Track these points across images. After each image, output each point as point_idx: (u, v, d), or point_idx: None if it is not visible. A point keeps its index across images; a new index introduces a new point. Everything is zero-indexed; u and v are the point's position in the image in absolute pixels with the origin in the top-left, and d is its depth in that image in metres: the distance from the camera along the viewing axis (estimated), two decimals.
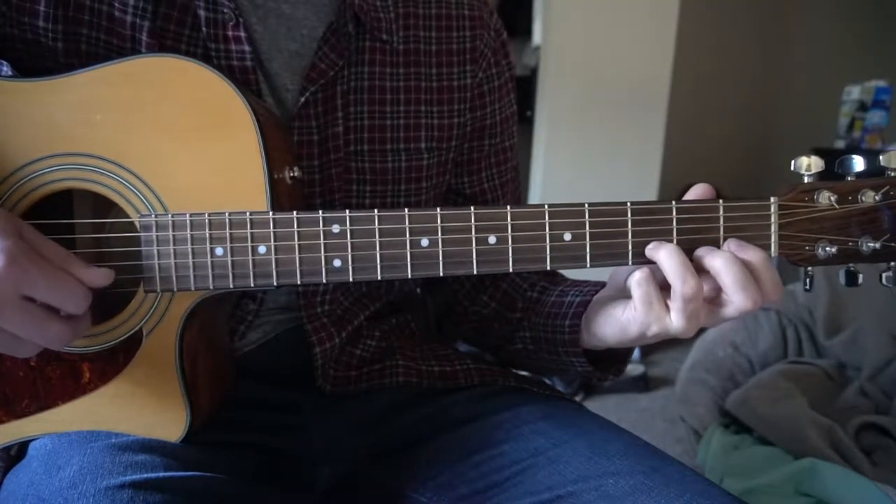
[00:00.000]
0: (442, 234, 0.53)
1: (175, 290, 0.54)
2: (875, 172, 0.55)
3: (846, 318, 1.67)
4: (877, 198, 0.54)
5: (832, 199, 0.55)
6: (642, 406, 2.04)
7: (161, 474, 0.52)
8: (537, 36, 2.68)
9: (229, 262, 0.53)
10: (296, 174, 0.59)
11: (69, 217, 0.60)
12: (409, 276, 0.53)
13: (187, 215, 0.53)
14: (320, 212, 0.53)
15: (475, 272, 0.54)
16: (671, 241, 0.54)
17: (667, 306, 0.53)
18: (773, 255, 0.56)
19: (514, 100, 0.80)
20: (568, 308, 0.65)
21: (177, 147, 0.54)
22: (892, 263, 0.56)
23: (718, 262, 0.52)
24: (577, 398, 2.01)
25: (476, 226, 0.53)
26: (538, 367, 0.75)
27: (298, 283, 0.53)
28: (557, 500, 0.58)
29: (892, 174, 0.55)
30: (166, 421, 0.57)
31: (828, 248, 0.55)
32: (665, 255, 0.53)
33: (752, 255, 0.53)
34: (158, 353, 0.55)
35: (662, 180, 2.52)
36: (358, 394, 0.70)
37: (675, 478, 0.57)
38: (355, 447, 0.69)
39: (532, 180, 2.51)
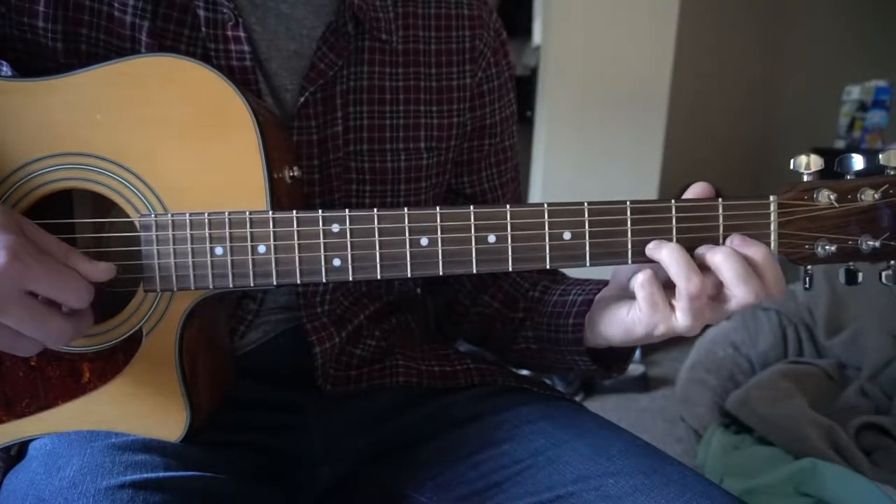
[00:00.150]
0: (441, 234, 0.53)
1: (175, 289, 0.54)
2: (874, 171, 0.55)
3: (846, 318, 1.67)
4: (876, 196, 0.54)
5: (832, 197, 0.55)
6: (642, 406, 2.04)
7: (161, 474, 0.52)
8: (537, 36, 2.68)
9: (229, 262, 0.53)
10: (295, 174, 0.59)
11: (69, 217, 0.60)
12: (409, 275, 0.53)
13: (187, 215, 0.53)
14: (320, 211, 0.53)
15: (474, 271, 0.54)
16: (671, 240, 0.54)
17: (671, 306, 0.53)
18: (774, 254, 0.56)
19: (514, 99, 0.80)
20: (571, 307, 0.65)
21: (176, 147, 0.54)
22: (892, 262, 0.56)
23: (718, 257, 0.53)
24: (577, 398, 2.01)
25: (475, 225, 0.53)
26: (541, 366, 0.75)
27: (298, 282, 0.53)
28: (557, 500, 0.58)
29: (892, 173, 0.55)
30: (166, 421, 0.56)
31: (827, 247, 0.55)
32: (667, 255, 0.53)
33: (755, 250, 0.53)
34: (158, 353, 0.55)
35: (662, 180, 2.52)
36: (358, 393, 0.70)
37: (675, 478, 0.57)
38: (355, 447, 0.69)
39: (532, 180, 2.51)
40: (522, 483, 0.60)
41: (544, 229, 0.54)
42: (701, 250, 0.54)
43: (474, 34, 0.73)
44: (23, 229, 0.47)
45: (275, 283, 0.53)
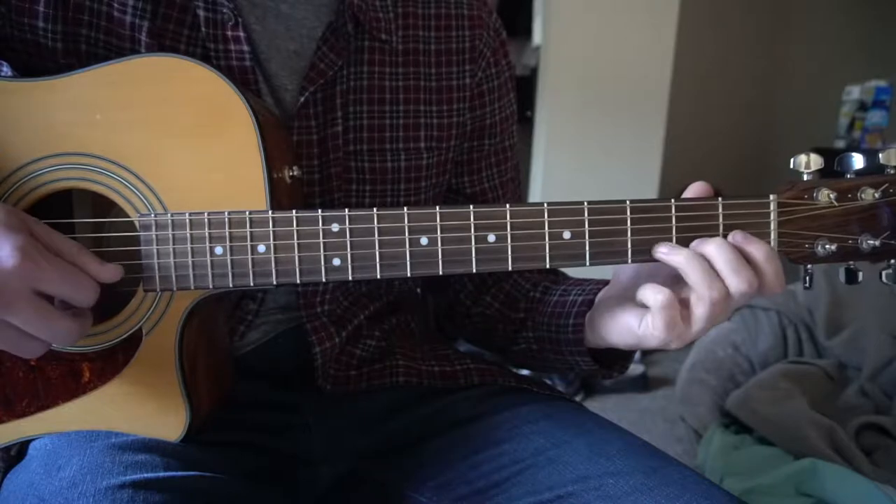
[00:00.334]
0: (441, 233, 0.53)
1: (174, 289, 0.54)
2: (874, 170, 0.55)
3: (847, 319, 1.68)
4: (876, 195, 0.54)
5: (831, 196, 0.55)
6: (642, 406, 2.04)
7: (161, 474, 0.52)
8: (537, 36, 2.68)
9: (229, 262, 0.53)
10: (295, 173, 0.59)
11: (69, 217, 0.60)
12: (409, 274, 0.53)
13: (187, 214, 0.53)
14: (319, 211, 0.53)
15: (474, 270, 0.54)
16: (671, 239, 0.54)
17: (687, 320, 0.53)
18: None
19: (514, 99, 0.80)
20: (571, 307, 0.65)
21: (176, 147, 0.54)
22: (892, 261, 0.56)
23: (711, 247, 0.53)
24: (577, 398, 2.01)
25: (475, 224, 0.53)
26: (542, 366, 0.75)
27: (298, 282, 0.53)
28: (557, 500, 0.58)
29: (892, 172, 0.55)
30: (166, 420, 0.56)
31: (827, 246, 0.55)
32: (686, 262, 0.53)
33: (755, 247, 0.53)
34: (158, 353, 0.55)
35: (662, 180, 2.52)
36: (358, 393, 0.70)
37: (674, 478, 0.56)
38: (355, 447, 0.69)
39: (532, 180, 2.51)
40: (522, 483, 0.60)
41: (544, 229, 0.54)
42: (693, 243, 0.54)
43: (474, 34, 0.73)
44: (32, 229, 0.47)
45: (274, 282, 0.53)
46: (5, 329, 0.46)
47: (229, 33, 0.62)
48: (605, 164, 2.47)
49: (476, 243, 0.53)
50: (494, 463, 0.63)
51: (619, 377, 0.69)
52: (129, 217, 0.54)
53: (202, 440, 0.59)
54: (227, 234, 0.53)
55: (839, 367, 1.63)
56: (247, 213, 0.53)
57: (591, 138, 2.45)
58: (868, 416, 1.40)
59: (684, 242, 0.54)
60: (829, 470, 1.18)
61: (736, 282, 0.52)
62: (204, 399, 0.59)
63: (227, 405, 0.64)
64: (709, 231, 0.55)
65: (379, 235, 0.53)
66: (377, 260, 0.53)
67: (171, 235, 0.53)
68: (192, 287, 0.54)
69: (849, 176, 0.55)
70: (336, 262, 0.53)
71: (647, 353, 2.40)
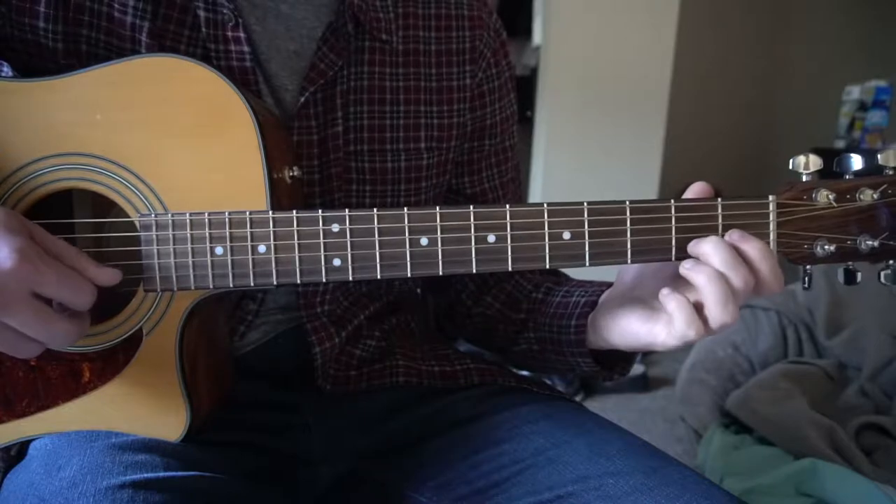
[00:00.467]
0: (441, 233, 0.53)
1: (175, 289, 0.54)
2: (873, 171, 0.55)
3: (846, 319, 1.68)
4: (875, 196, 0.54)
5: (830, 197, 0.55)
6: (642, 406, 2.04)
7: (161, 474, 0.52)
8: (537, 36, 2.68)
9: (229, 262, 0.53)
10: (295, 174, 0.59)
11: (69, 217, 0.60)
12: (409, 275, 0.53)
13: (187, 215, 0.53)
14: (320, 211, 0.53)
15: (474, 271, 0.54)
16: (670, 239, 0.54)
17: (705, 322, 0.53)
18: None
19: (515, 100, 0.80)
20: (574, 308, 0.65)
21: (177, 147, 0.54)
22: (891, 262, 0.56)
23: (707, 246, 0.53)
24: (577, 398, 2.01)
25: (475, 224, 0.53)
26: (543, 367, 0.75)
27: (298, 282, 0.53)
28: (557, 500, 0.58)
29: (890, 173, 0.55)
30: (166, 421, 0.57)
31: (826, 247, 0.55)
32: (706, 281, 0.52)
33: (750, 245, 0.53)
34: (158, 353, 0.56)
35: (662, 180, 2.52)
36: (358, 393, 0.70)
37: (674, 478, 0.57)
38: (355, 447, 0.69)
39: (532, 180, 2.51)
40: (522, 483, 0.60)
41: (544, 229, 0.54)
42: (691, 245, 0.54)
43: (474, 34, 0.73)
44: (31, 232, 0.48)
45: (275, 282, 0.53)
46: (3, 330, 0.46)
47: (229, 34, 0.62)
48: (605, 164, 2.47)
49: (476, 244, 0.53)
50: (494, 463, 0.63)
51: (619, 379, 0.69)
52: (129, 217, 0.54)
53: (202, 440, 0.59)
54: (227, 234, 0.53)
55: (839, 367, 1.63)
56: (247, 213, 0.53)
57: (591, 138, 2.45)
58: (868, 416, 1.40)
59: (684, 243, 0.54)
60: (829, 470, 1.18)
61: (733, 280, 0.52)
62: (204, 399, 0.59)
63: (227, 405, 0.64)
64: (708, 232, 0.55)
65: (379, 236, 0.53)
66: (377, 260, 0.53)
67: (171, 235, 0.53)
68: (193, 287, 0.54)
69: (847, 177, 0.55)
70: (336, 262, 0.53)
71: (648, 353, 2.40)
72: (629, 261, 0.55)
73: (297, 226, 0.53)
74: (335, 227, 0.53)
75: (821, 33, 3.20)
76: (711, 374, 1.64)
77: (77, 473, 0.52)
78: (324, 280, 0.53)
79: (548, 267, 0.55)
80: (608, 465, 0.58)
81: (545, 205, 0.54)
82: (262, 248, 0.53)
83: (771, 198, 0.55)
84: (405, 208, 0.53)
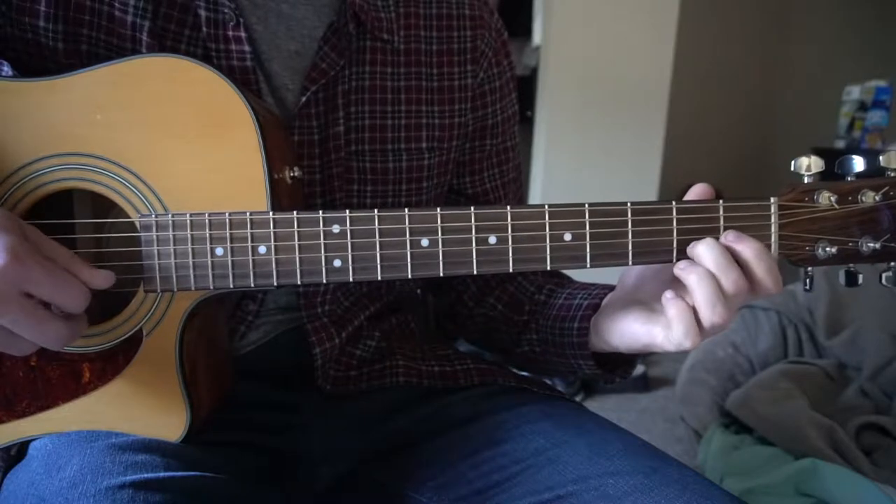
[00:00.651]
0: (442, 234, 0.53)
1: (175, 290, 0.54)
2: (875, 173, 0.55)
3: (846, 319, 1.68)
4: (877, 198, 0.54)
5: (832, 199, 0.55)
6: (642, 406, 2.04)
7: (161, 474, 0.52)
8: (537, 36, 2.68)
9: (229, 262, 0.53)
10: (296, 174, 0.59)
11: (69, 217, 0.60)
12: (410, 276, 0.53)
13: (187, 215, 0.53)
14: (320, 212, 0.53)
15: (475, 272, 0.54)
16: (671, 241, 0.54)
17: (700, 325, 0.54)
18: (773, 255, 0.56)
19: (516, 100, 0.80)
20: (576, 311, 0.65)
21: (177, 147, 0.54)
22: (892, 263, 0.56)
23: (700, 248, 0.53)
24: (577, 398, 2.01)
25: (476, 226, 0.53)
26: (544, 369, 0.75)
27: (298, 283, 0.53)
28: (557, 500, 0.58)
29: (892, 174, 0.55)
30: (166, 421, 0.56)
31: (828, 249, 0.55)
32: (697, 280, 0.53)
33: (744, 246, 0.53)
34: (158, 354, 0.55)
35: (662, 180, 2.52)
36: (358, 394, 0.70)
37: (674, 478, 0.57)
38: (355, 447, 0.69)
39: (532, 180, 2.51)
40: (522, 483, 0.60)
41: (545, 230, 0.54)
42: (689, 248, 0.54)
43: (475, 34, 0.73)
44: (25, 233, 0.48)
45: (275, 283, 0.53)
46: None
47: (230, 33, 0.62)
48: (605, 164, 2.47)
49: (477, 245, 0.53)
50: (494, 463, 0.63)
51: (620, 381, 0.69)
52: (129, 217, 0.54)
53: (202, 440, 0.59)
54: (227, 234, 0.53)
55: (839, 367, 1.63)
56: (248, 213, 0.53)
57: (591, 138, 2.45)
58: (868, 416, 1.40)
59: (685, 244, 0.54)
60: (829, 470, 1.18)
61: (723, 282, 0.52)
62: (204, 399, 0.59)
63: (227, 405, 0.64)
64: (710, 233, 0.55)
65: (380, 237, 0.53)
66: (378, 261, 0.53)
67: (171, 236, 0.53)
68: (193, 288, 0.54)
69: (849, 178, 0.55)
70: (337, 263, 0.53)
71: (648, 354, 2.40)
72: (630, 262, 0.55)
73: (298, 227, 0.53)
74: (336, 228, 0.53)
75: (821, 33, 3.20)
76: (711, 374, 1.64)
77: (77, 473, 0.52)
78: (324, 281, 0.53)
79: (549, 268, 0.55)
80: (608, 466, 0.58)
81: (546, 206, 0.54)
82: (262, 249, 0.53)
83: (772, 199, 0.55)
84: (406, 209, 0.53)
